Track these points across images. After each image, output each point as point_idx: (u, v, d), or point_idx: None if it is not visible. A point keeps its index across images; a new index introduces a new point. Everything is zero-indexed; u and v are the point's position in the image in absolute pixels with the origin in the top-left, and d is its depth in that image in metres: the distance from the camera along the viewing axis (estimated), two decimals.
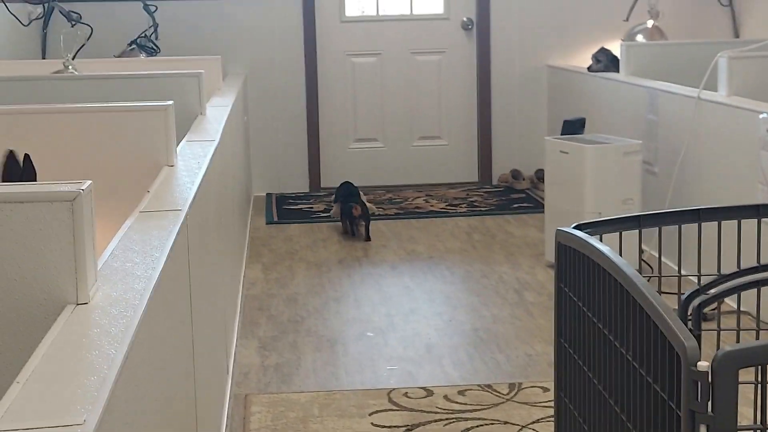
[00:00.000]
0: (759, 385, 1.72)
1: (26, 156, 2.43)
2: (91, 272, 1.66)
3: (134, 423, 1.44)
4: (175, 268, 2.08)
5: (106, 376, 1.30)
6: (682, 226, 2.57)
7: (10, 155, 2.47)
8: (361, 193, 5.89)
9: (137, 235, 2.10)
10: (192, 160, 3.00)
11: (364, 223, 5.64)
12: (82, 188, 1.63)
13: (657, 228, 2.57)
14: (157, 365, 1.73)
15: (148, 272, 1.81)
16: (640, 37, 6.52)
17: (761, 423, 1.71)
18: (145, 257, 1.92)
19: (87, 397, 1.24)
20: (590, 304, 2.26)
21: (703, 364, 1.66)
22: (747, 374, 3.00)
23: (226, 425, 3.18)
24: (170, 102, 2.97)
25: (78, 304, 1.62)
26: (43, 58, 6.29)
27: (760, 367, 1.71)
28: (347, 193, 5.84)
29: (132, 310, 1.59)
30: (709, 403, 1.67)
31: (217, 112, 4.19)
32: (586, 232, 2.39)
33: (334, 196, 6.09)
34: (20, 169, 2.45)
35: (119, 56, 6.14)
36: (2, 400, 1.23)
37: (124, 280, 1.76)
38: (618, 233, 2.53)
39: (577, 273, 2.36)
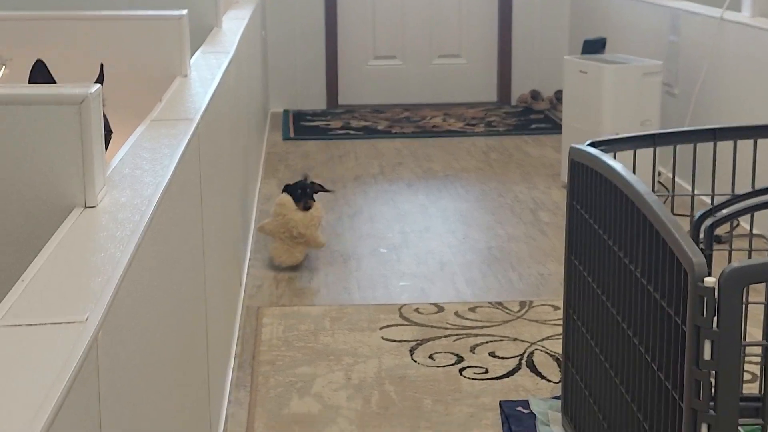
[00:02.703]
0: (766, 300, 1.71)
1: (40, 62, 2.40)
2: (99, 176, 1.66)
3: (139, 325, 1.45)
4: (185, 177, 2.08)
5: (111, 277, 1.31)
6: (698, 146, 2.55)
7: (39, 64, 2.42)
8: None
9: (148, 143, 2.10)
10: (206, 71, 2.98)
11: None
12: (90, 91, 1.62)
13: (672, 148, 2.55)
14: (165, 271, 1.74)
15: (157, 179, 1.81)
16: None
17: (766, 338, 1.71)
18: (154, 164, 1.91)
19: (90, 296, 1.24)
20: (601, 222, 2.26)
21: (710, 280, 1.66)
22: (758, 295, 3.01)
23: (238, 335, 3.21)
24: (184, 11, 2.94)
25: (86, 208, 1.63)
26: None
27: (767, 284, 1.70)
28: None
29: (139, 215, 1.59)
30: (715, 319, 1.67)
31: (234, 24, 4.16)
32: (600, 150, 2.38)
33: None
34: (49, 80, 2.41)
35: None
36: (6, 298, 1.24)
37: (133, 186, 1.76)
38: (632, 152, 2.52)
39: (590, 191, 2.35)
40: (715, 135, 2.48)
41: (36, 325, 1.17)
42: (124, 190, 1.73)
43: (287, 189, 3.91)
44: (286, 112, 6.89)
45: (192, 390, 2.06)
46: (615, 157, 2.28)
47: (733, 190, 2.51)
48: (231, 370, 2.95)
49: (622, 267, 2.09)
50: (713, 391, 1.70)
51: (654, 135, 2.47)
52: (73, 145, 1.63)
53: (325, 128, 6.42)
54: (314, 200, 3.85)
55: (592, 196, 2.32)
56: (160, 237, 1.70)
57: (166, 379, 1.71)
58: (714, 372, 1.68)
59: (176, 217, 1.93)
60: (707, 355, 1.67)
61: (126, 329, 1.35)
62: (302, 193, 3.83)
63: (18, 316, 1.19)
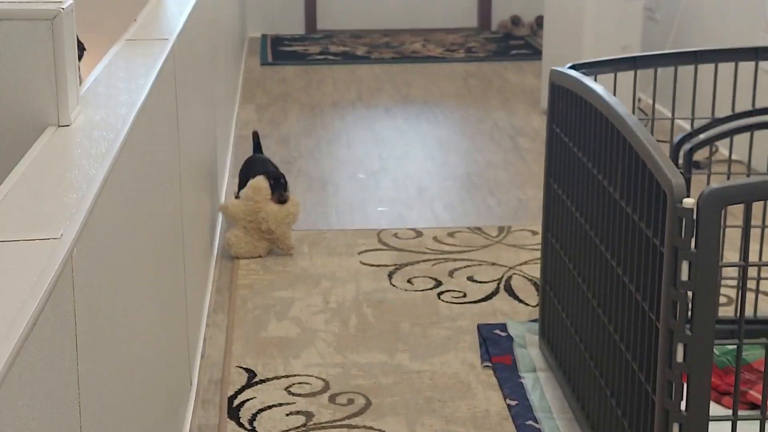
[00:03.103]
0: (744, 223, 1.71)
1: None
2: (72, 94, 1.64)
3: (115, 242, 1.44)
4: (160, 97, 2.05)
5: (85, 194, 1.29)
6: (679, 72, 2.54)
7: None
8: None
9: (122, 62, 2.07)
10: None
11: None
12: (63, 7, 1.59)
13: (653, 72, 2.53)
14: (141, 190, 1.72)
15: (132, 98, 1.78)
16: None
17: (744, 260, 1.71)
18: (129, 83, 1.89)
19: (64, 212, 1.23)
20: (581, 146, 2.25)
21: (689, 201, 1.65)
22: (735, 220, 3.02)
23: (216, 259, 3.20)
24: None
25: (59, 127, 1.60)
26: None
27: (745, 205, 1.70)
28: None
29: (114, 133, 1.57)
30: (693, 241, 1.67)
31: None
32: (581, 73, 2.36)
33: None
34: None
35: None
36: None
37: (108, 105, 1.74)
38: (613, 75, 2.50)
39: (570, 114, 2.34)
40: (696, 58, 2.47)
41: (9, 241, 1.15)
42: (99, 109, 1.71)
43: (268, 174, 3.33)
44: (264, 37, 6.81)
45: (170, 311, 2.05)
46: (596, 80, 2.26)
47: (713, 113, 2.50)
48: (209, 293, 2.95)
49: (601, 190, 2.08)
50: (690, 313, 1.70)
51: (635, 57, 2.45)
52: (45, 63, 1.60)
53: (303, 53, 6.36)
54: (288, 193, 3.30)
55: (572, 119, 2.31)
56: (136, 155, 1.68)
57: (142, 298, 1.70)
58: (691, 293, 1.68)
59: (152, 136, 1.90)
60: (685, 276, 1.67)
61: (101, 246, 1.33)
62: (276, 183, 3.29)
63: None
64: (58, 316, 1.09)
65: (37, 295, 1.03)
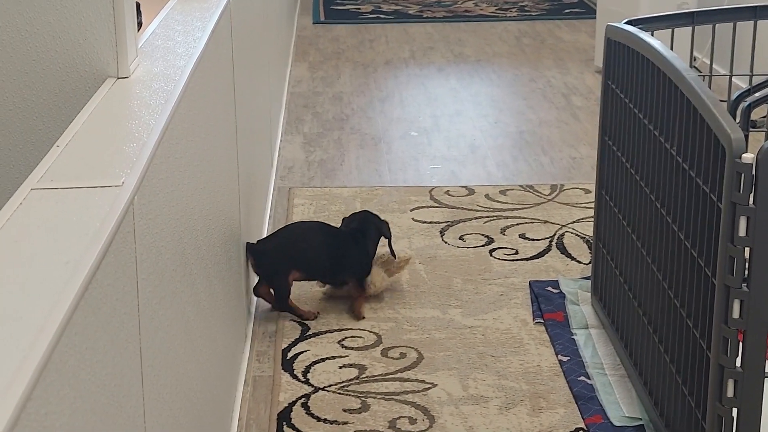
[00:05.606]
0: None
1: None
2: (131, 47, 1.65)
3: (175, 191, 1.45)
4: (217, 50, 2.06)
5: (146, 144, 1.31)
6: (737, 26, 2.50)
7: None
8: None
9: (180, 16, 2.08)
10: None
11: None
12: None
13: (710, 30, 2.49)
14: (199, 141, 1.74)
15: (189, 50, 1.80)
16: None
17: None
18: (186, 36, 1.90)
19: (125, 161, 1.24)
20: (636, 100, 2.23)
21: (748, 156, 1.64)
22: None
23: (270, 215, 3.22)
24: None
25: (119, 78, 1.62)
26: None
27: None
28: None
29: (173, 84, 1.58)
30: (751, 196, 1.65)
31: None
32: (637, 28, 2.33)
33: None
34: None
35: None
36: (41, 162, 1.24)
37: (165, 57, 1.75)
38: (670, 31, 2.47)
39: (626, 69, 2.32)
40: (755, 13, 2.43)
41: (72, 188, 1.17)
42: (157, 61, 1.72)
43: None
44: None
45: (227, 262, 2.07)
46: (653, 36, 2.24)
47: None
48: None
49: (658, 146, 2.07)
50: (746, 269, 1.69)
51: (693, 13, 2.42)
52: (104, 15, 1.61)
53: (355, 12, 6.34)
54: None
55: (628, 75, 2.29)
56: (194, 107, 1.70)
57: (201, 248, 1.72)
58: (748, 249, 1.67)
59: (209, 89, 1.92)
60: (742, 232, 1.66)
61: (161, 195, 1.35)
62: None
63: (54, 179, 1.20)
64: (120, 261, 1.11)
65: (100, 240, 1.05)
